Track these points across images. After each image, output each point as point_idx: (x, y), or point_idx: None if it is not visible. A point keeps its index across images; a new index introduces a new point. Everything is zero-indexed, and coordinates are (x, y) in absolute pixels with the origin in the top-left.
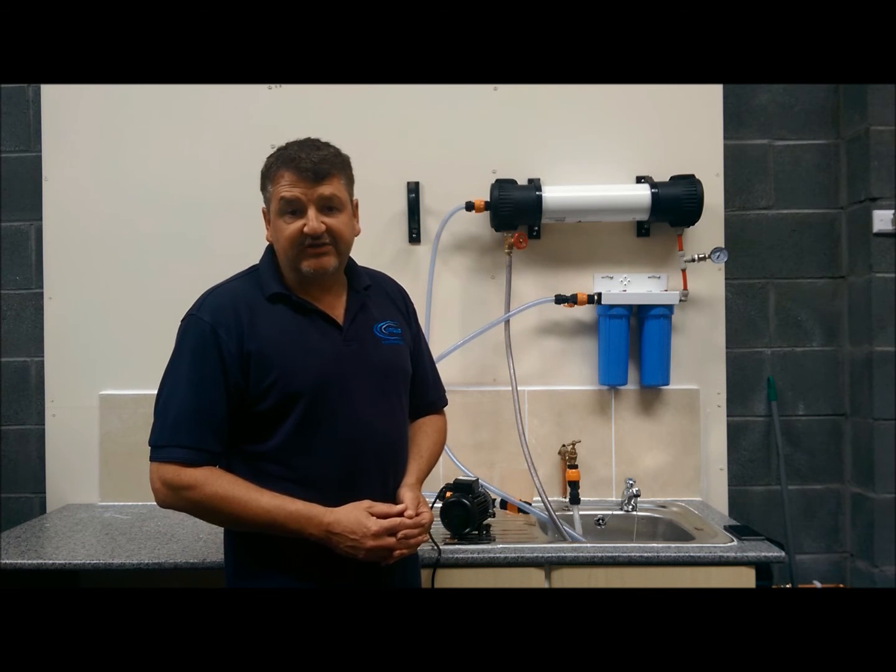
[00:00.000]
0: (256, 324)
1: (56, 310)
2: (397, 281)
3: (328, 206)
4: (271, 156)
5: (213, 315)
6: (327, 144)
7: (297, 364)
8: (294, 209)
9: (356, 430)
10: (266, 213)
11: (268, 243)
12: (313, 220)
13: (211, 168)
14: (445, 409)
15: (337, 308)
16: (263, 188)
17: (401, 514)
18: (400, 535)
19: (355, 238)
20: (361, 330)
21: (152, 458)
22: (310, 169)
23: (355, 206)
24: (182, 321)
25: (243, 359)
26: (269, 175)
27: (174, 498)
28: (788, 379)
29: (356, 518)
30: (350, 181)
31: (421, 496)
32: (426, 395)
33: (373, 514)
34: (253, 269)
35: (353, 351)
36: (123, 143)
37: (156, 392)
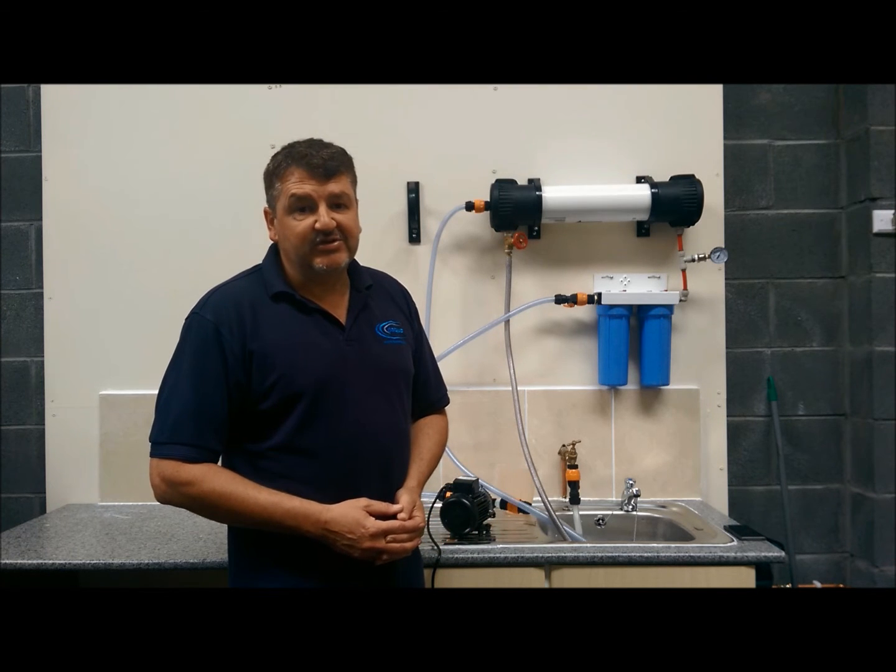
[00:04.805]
0: (259, 323)
1: (56, 310)
2: (398, 281)
3: (337, 204)
4: (278, 154)
5: (217, 314)
6: (332, 144)
7: (299, 364)
8: (304, 206)
9: (357, 429)
10: (269, 213)
11: (272, 243)
12: (324, 216)
13: (211, 168)
14: (447, 408)
15: (339, 307)
16: (269, 186)
17: (397, 515)
18: (389, 538)
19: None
20: (363, 329)
21: (152, 455)
22: (321, 166)
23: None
24: (186, 320)
25: (246, 358)
26: (277, 173)
27: (173, 494)
28: (788, 379)
29: (354, 518)
30: (355, 181)
31: (418, 500)
32: (428, 395)
33: (370, 514)
34: (256, 269)
35: (355, 351)
36: (123, 144)
37: (156, 391)
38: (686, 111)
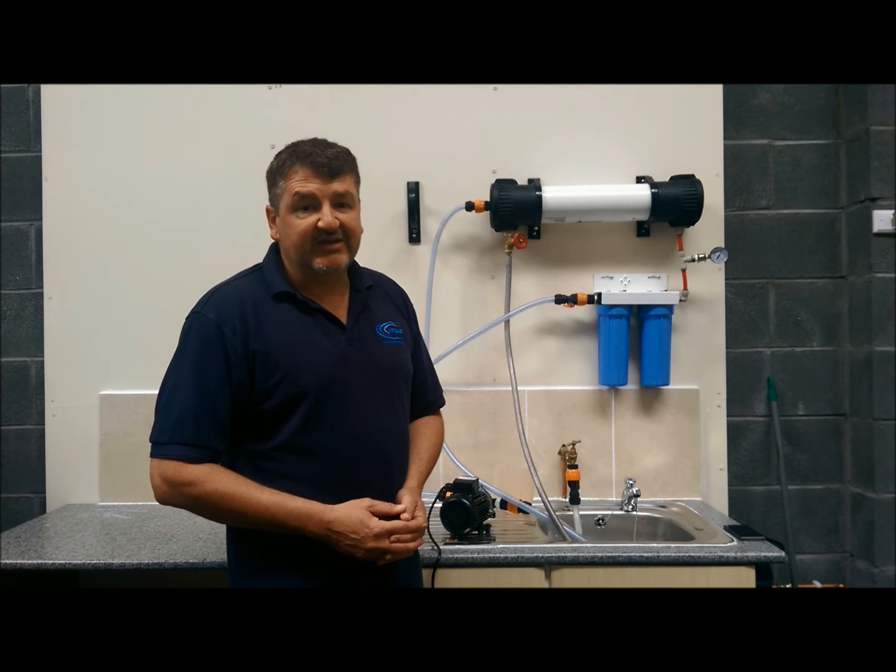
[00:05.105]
0: (262, 322)
1: (56, 310)
2: (397, 281)
3: (340, 203)
4: (282, 152)
5: (219, 313)
6: (336, 143)
7: (303, 363)
8: (308, 204)
9: (359, 430)
10: (271, 211)
11: (273, 242)
12: (328, 215)
13: (211, 168)
14: (444, 409)
15: (340, 308)
16: (273, 185)
17: (400, 515)
18: (392, 538)
19: None
20: (364, 330)
21: (153, 455)
22: (325, 165)
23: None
24: (187, 319)
25: (249, 357)
26: (280, 171)
27: (174, 494)
28: (788, 379)
29: (358, 518)
30: (358, 181)
31: (420, 500)
32: (425, 395)
33: (374, 514)
34: (257, 268)
35: (356, 351)
36: (123, 144)
37: (157, 391)
38: (686, 111)
